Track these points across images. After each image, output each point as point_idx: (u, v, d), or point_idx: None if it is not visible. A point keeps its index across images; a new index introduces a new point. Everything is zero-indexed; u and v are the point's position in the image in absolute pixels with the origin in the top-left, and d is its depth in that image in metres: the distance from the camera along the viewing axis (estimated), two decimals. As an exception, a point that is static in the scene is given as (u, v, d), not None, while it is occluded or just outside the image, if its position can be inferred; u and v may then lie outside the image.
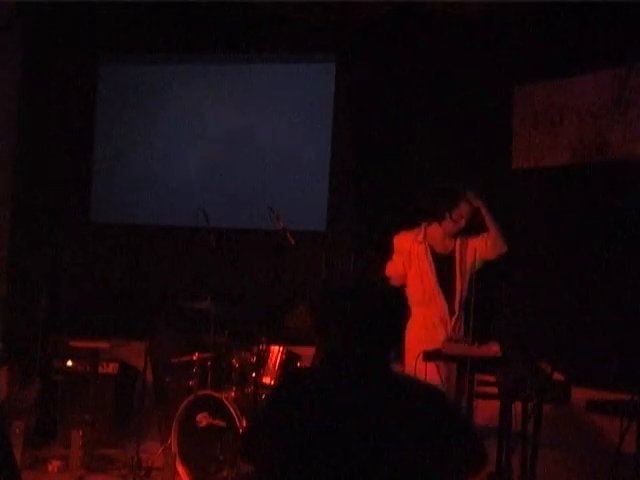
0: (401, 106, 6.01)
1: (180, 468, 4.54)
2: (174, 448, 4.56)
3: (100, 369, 5.33)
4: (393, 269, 4.58)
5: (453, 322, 4.47)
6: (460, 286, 4.46)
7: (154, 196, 6.74)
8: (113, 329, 5.97)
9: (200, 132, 6.70)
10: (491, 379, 3.85)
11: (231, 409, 4.37)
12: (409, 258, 4.52)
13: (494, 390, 3.78)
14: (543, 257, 5.33)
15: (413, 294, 4.42)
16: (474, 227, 4.51)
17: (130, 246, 6.55)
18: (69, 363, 5.42)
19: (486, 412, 4.12)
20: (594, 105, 5.29)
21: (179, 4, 6.19)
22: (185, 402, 4.56)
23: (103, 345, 5.31)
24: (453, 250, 4.52)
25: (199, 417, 4.52)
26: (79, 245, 6.65)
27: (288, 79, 6.57)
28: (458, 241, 4.52)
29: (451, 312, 4.48)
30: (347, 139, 6.31)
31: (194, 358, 4.79)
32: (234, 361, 4.74)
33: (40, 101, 6.60)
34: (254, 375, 4.58)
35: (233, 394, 4.57)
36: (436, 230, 4.54)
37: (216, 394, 4.52)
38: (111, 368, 5.41)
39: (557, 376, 3.44)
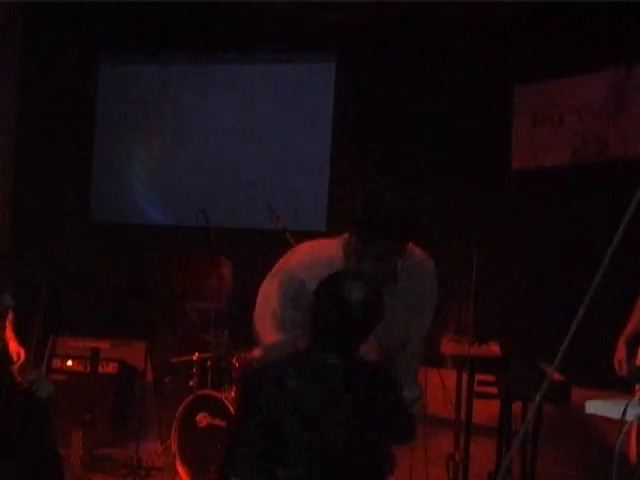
0: (401, 106, 6.00)
1: (180, 468, 4.54)
2: (174, 448, 4.56)
3: (100, 369, 5.33)
4: None
5: None
6: None
7: (154, 196, 6.74)
8: (113, 329, 5.97)
9: (200, 132, 6.69)
10: (491, 379, 3.85)
11: (231, 409, 4.37)
12: None
13: (494, 390, 3.78)
14: (543, 257, 5.33)
15: None
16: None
17: (130, 246, 6.54)
18: (69, 363, 5.43)
19: (486, 412, 4.12)
20: (594, 105, 5.29)
21: (179, 4, 6.19)
22: (185, 402, 4.56)
23: (103, 345, 5.31)
24: None
25: (199, 417, 4.52)
26: (79, 245, 6.64)
27: (288, 79, 6.56)
28: None
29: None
30: (347, 139, 6.31)
31: (194, 358, 4.80)
32: (234, 361, 4.73)
33: (40, 101, 6.59)
34: (254, 375, 4.58)
35: (233, 394, 4.57)
36: None
37: (216, 394, 4.52)
38: (111, 368, 5.41)
39: (557, 376, 3.43)
